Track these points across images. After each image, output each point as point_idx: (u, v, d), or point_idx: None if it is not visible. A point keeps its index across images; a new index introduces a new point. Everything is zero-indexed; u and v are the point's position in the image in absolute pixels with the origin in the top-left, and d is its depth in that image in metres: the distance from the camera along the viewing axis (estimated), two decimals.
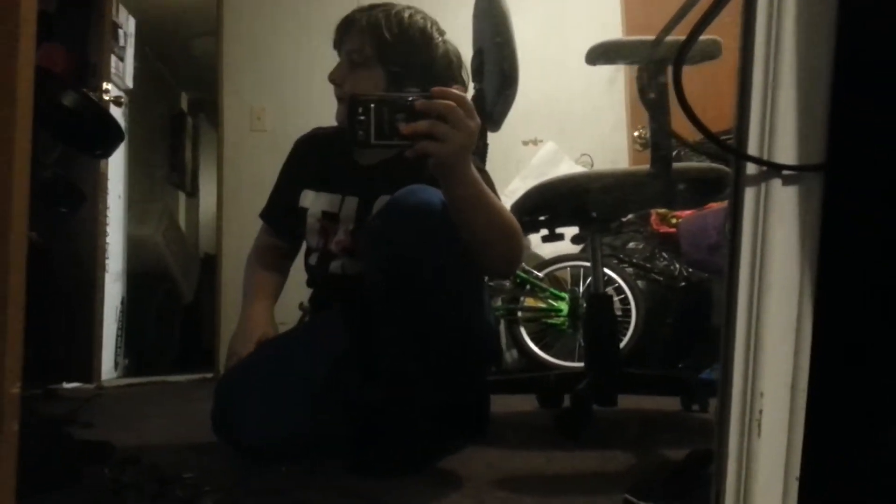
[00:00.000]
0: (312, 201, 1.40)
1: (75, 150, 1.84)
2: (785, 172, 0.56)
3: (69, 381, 2.97)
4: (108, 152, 1.89)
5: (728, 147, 0.56)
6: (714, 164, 1.58)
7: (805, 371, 0.57)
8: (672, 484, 0.71)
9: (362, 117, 0.92)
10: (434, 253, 1.07)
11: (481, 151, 1.78)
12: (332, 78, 1.34)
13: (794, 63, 0.55)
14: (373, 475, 1.08)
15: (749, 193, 0.56)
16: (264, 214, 1.52)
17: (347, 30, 1.36)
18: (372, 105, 0.92)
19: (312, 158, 1.46)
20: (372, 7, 1.37)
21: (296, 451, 1.19)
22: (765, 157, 0.55)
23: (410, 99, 0.93)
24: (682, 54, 0.66)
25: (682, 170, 1.46)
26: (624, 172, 1.63)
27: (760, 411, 0.57)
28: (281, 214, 1.48)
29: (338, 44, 1.38)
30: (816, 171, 0.56)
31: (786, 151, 0.56)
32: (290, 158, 1.51)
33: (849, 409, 0.60)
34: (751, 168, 0.56)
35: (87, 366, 3.09)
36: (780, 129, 0.55)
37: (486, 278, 1.44)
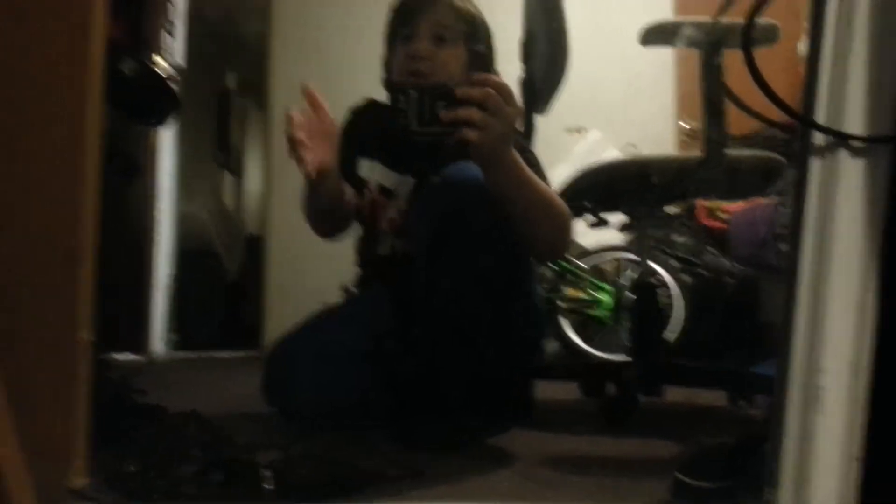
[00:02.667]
0: (368, 172, 1.39)
1: (132, 119, 1.88)
2: (853, 143, 0.55)
3: (119, 351, 3.06)
4: (163, 121, 1.93)
5: (797, 115, 0.55)
6: (769, 153, 1.55)
7: (868, 349, 0.56)
8: (724, 463, 0.71)
9: (403, 105, 0.93)
10: (484, 225, 1.08)
11: (527, 134, 1.78)
12: (418, 52, 1.26)
13: (866, 30, 0.54)
14: (415, 448, 1.10)
15: (815, 164, 0.55)
16: None
17: (431, 2, 1.29)
18: (413, 92, 0.93)
19: (370, 128, 1.43)
20: None
21: (343, 420, 1.22)
22: (833, 127, 0.54)
23: (450, 86, 0.94)
24: (749, 32, 0.65)
25: (735, 157, 1.44)
26: (675, 158, 1.61)
27: (822, 388, 0.56)
28: (342, 168, 1.38)
29: (410, 15, 1.30)
30: (886, 143, 0.54)
31: (855, 122, 0.55)
32: (346, 125, 1.47)
33: None
34: (818, 138, 0.55)
35: (138, 338, 3.19)
36: (850, 99, 0.54)
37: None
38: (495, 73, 1.38)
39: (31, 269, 0.70)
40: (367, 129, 1.44)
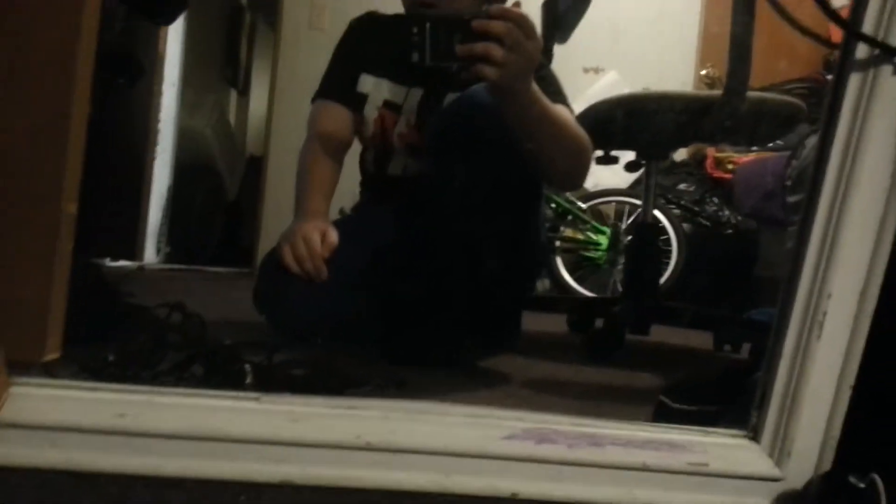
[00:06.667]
0: (373, 88, 1.34)
1: (138, 13, 1.81)
2: None
3: (113, 258, 3.05)
4: (170, 19, 1.85)
5: (845, 24, 0.52)
6: (789, 98, 1.51)
7: (878, 278, 0.54)
8: (710, 389, 0.70)
9: (417, 36, 0.88)
10: (502, 149, 1.06)
11: (546, 60, 1.72)
12: None
13: None
14: (401, 363, 1.09)
15: (854, 78, 0.52)
16: (321, 92, 1.40)
17: None
18: (428, 24, 0.88)
19: (372, 42, 1.38)
20: None
21: (333, 332, 1.21)
22: (880, 39, 0.51)
23: (467, 17, 0.89)
24: None
25: (756, 99, 1.39)
26: (693, 96, 1.56)
27: (825, 313, 0.54)
28: (341, 89, 1.37)
29: None
30: None
31: None
32: (345, 39, 1.43)
33: None
34: (861, 51, 0.52)
35: (131, 246, 3.18)
36: None
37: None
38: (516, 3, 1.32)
39: (20, 136, 0.67)
40: (370, 43, 1.39)
